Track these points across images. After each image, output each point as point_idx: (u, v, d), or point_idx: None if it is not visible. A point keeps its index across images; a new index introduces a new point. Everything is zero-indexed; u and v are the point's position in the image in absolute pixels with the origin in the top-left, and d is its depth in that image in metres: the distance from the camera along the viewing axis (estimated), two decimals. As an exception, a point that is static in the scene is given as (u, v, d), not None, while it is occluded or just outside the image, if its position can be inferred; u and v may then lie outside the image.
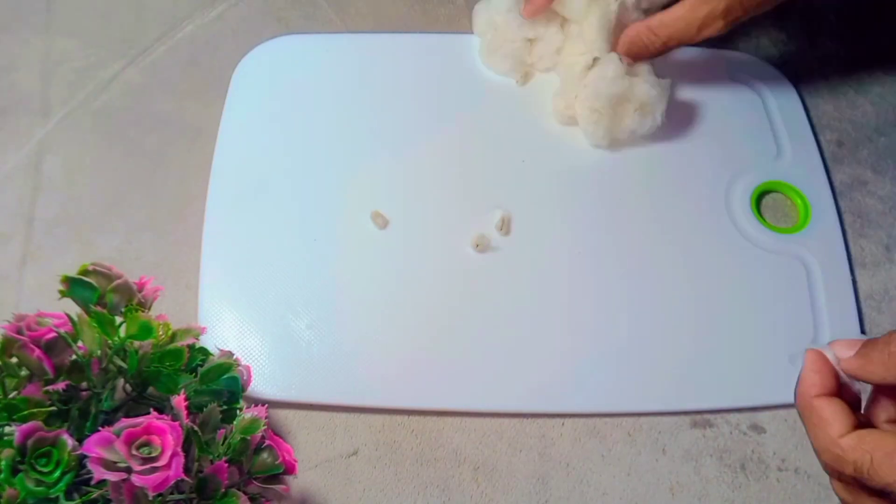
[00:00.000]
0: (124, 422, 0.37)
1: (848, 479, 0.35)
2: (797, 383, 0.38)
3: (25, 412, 0.37)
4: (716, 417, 0.53)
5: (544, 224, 0.57)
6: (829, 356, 0.37)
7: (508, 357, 0.53)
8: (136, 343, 0.40)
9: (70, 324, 0.40)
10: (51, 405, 0.38)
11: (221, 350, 0.45)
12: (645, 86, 0.56)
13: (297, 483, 0.50)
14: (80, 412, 0.40)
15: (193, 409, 0.41)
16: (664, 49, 0.54)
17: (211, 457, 0.40)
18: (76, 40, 0.65)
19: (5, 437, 0.37)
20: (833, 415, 0.35)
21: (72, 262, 0.45)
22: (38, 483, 0.36)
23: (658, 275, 0.56)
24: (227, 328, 0.53)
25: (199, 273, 0.54)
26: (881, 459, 0.33)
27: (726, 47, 0.66)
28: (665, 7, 0.54)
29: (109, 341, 0.40)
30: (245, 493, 0.41)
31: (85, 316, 0.40)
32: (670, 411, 0.53)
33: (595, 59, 0.57)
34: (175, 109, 0.62)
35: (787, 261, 0.57)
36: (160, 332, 0.41)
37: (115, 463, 0.36)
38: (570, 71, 0.59)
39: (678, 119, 0.61)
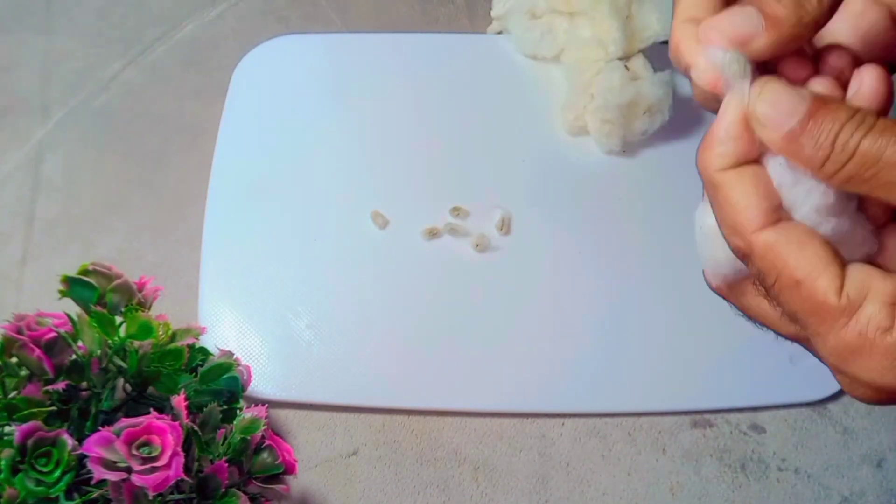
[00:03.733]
0: (124, 422, 0.37)
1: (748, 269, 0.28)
2: (700, 145, 0.29)
3: (25, 412, 0.37)
4: (716, 417, 0.53)
5: (544, 224, 0.57)
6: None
7: (508, 357, 0.53)
8: (136, 343, 0.40)
9: (70, 324, 0.40)
10: (51, 405, 0.38)
11: (221, 350, 0.45)
12: (651, 87, 0.56)
13: (297, 483, 0.50)
14: (80, 412, 0.40)
15: (193, 409, 0.41)
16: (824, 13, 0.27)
17: (211, 457, 0.40)
18: (76, 40, 0.65)
19: (5, 437, 0.37)
20: (745, 198, 0.27)
21: (72, 262, 0.45)
22: (38, 483, 0.36)
23: (658, 275, 0.56)
24: (227, 328, 0.53)
25: (199, 273, 0.54)
26: (786, 284, 0.26)
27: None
28: None
29: (109, 341, 0.40)
30: (245, 492, 0.41)
31: (85, 316, 0.40)
32: (670, 411, 0.53)
33: (610, 53, 0.57)
34: (175, 109, 0.62)
35: (787, 261, 0.57)
36: (160, 332, 0.41)
37: (115, 463, 0.36)
38: (577, 76, 0.59)
39: (679, 119, 0.61)
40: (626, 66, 0.57)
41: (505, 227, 0.56)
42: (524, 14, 0.61)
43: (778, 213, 0.27)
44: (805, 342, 0.28)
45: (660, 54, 0.58)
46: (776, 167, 0.27)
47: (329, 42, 0.65)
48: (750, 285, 0.29)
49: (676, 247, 0.57)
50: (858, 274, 0.26)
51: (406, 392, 0.52)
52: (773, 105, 0.26)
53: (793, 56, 0.28)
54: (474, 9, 0.67)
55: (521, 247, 0.56)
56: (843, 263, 0.26)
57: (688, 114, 0.61)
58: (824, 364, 0.27)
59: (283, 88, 0.62)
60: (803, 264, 0.26)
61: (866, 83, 0.27)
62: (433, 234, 0.56)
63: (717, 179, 0.28)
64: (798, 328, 0.27)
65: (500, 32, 0.65)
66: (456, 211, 0.57)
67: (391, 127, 0.60)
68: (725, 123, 0.27)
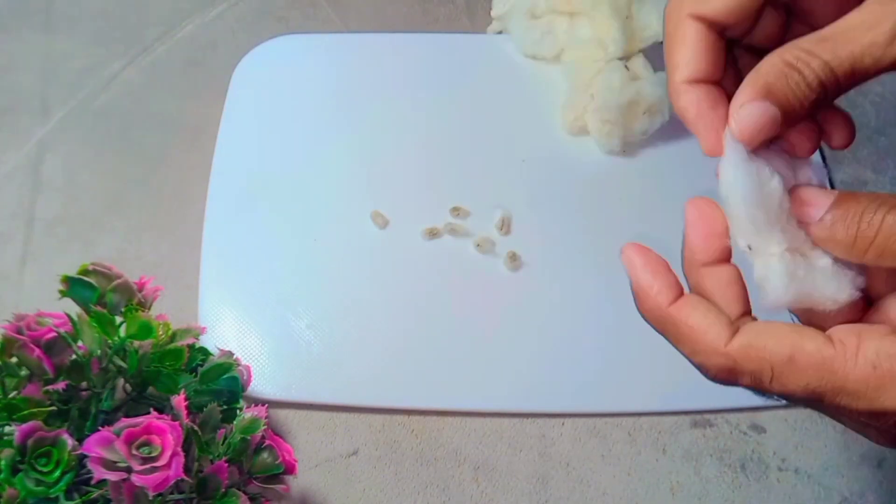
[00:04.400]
0: (124, 422, 0.37)
1: (743, 382, 0.28)
2: (633, 291, 0.30)
3: (25, 412, 0.37)
4: (716, 417, 0.53)
5: (544, 224, 0.57)
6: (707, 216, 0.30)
7: (508, 357, 0.53)
8: (136, 343, 0.40)
9: (70, 324, 0.40)
10: (51, 405, 0.38)
11: (221, 350, 0.45)
12: (651, 87, 0.56)
13: (297, 483, 0.50)
14: (80, 412, 0.40)
15: (193, 409, 0.41)
16: (831, 87, 0.28)
17: (211, 457, 0.40)
18: (76, 40, 0.65)
19: (5, 437, 0.37)
20: (704, 319, 0.27)
21: (72, 262, 0.45)
22: (38, 483, 0.36)
23: (658, 275, 0.56)
24: (227, 328, 0.53)
25: (199, 273, 0.54)
26: (784, 368, 0.26)
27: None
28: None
29: (109, 341, 0.40)
30: (245, 492, 0.41)
31: (85, 316, 0.40)
32: (670, 411, 0.53)
33: (610, 53, 0.57)
34: (175, 109, 0.62)
35: (787, 261, 0.57)
36: (160, 332, 0.41)
37: (115, 463, 0.36)
38: (577, 76, 0.59)
39: (678, 119, 0.61)
40: (626, 66, 0.57)
41: (505, 227, 0.56)
42: (524, 14, 0.61)
43: (735, 325, 0.27)
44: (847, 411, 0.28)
45: (660, 54, 0.58)
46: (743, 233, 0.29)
47: (329, 42, 0.65)
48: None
49: (677, 247, 0.57)
50: (841, 328, 0.26)
51: (406, 392, 0.52)
52: (806, 197, 0.28)
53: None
54: (474, 9, 0.67)
55: (521, 247, 0.56)
56: (820, 328, 0.27)
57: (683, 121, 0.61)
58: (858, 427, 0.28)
59: (283, 88, 0.62)
60: (787, 342, 0.26)
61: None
62: (433, 234, 0.56)
63: (671, 314, 0.28)
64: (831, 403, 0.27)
65: (500, 32, 0.65)
66: (456, 211, 0.57)
67: (391, 127, 0.60)
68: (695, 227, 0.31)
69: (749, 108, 0.28)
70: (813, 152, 0.30)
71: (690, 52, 0.31)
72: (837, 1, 0.30)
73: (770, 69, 0.28)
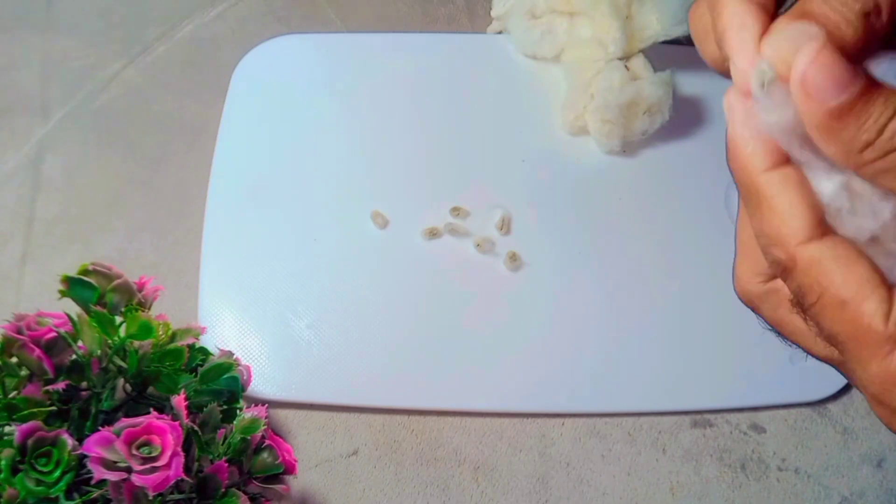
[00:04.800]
0: (124, 421, 0.37)
1: (786, 286, 0.26)
2: (727, 142, 0.25)
3: (25, 412, 0.37)
4: (716, 417, 0.53)
5: (544, 224, 0.57)
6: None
7: (509, 357, 0.53)
8: (136, 343, 0.40)
9: (70, 324, 0.40)
10: (51, 405, 0.38)
11: (221, 350, 0.45)
12: (651, 87, 0.56)
13: (297, 483, 0.50)
14: (80, 412, 0.40)
15: (193, 409, 0.41)
16: (873, 19, 0.23)
17: (211, 457, 0.40)
18: (76, 40, 0.65)
19: (5, 437, 0.37)
20: (791, 206, 0.24)
21: (72, 262, 0.45)
22: (38, 483, 0.36)
23: (658, 275, 0.56)
24: (227, 328, 0.53)
25: (199, 273, 0.54)
26: (830, 304, 0.24)
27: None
28: None
29: (109, 341, 0.40)
30: (245, 492, 0.41)
31: (85, 316, 0.40)
32: (670, 411, 0.53)
33: (610, 53, 0.57)
34: (175, 109, 0.62)
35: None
36: (160, 332, 0.41)
37: (115, 463, 0.36)
38: (577, 76, 0.59)
39: (678, 119, 0.61)
40: (626, 66, 0.57)
41: (505, 227, 0.56)
42: (524, 14, 0.61)
43: (823, 227, 0.24)
44: (840, 366, 0.26)
45: (660, 54, 0.58)
46: (823, 179, 0.24)
47: (329, 42, 0.65)
48: (785, 298, 0.27)
49: (676, 246, 0.57)
50: None
51: (406, 392, 0.52)
52: (825, 73, 0.22)
53: None
54: (474, 9, 0.67)
55: (521, 247, 0.56)
56: (891, 288, 0.24)
57: (688, 114, 0.61)
58: (861, 392, 0.25)
59: (283, 88, 0.62)
60: (851, 284, 0.23)
61: None
62: (433, 234, 0.56)
63: (761, 182, 0.24)
64: (834, 351, 0.25)
65: (500, 32, 0.65)
66: (456, 211, 0.57)
67: (391, 127, 0.60)
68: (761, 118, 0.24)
69: (785, 31, 0.23)
70: None
71: (737, 24, 0.24)
72: None
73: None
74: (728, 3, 0.24)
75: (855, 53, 0.23)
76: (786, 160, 0.24)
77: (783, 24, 0.23)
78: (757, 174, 0.24)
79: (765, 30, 0.24)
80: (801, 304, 0.25)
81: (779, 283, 0.26)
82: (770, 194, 0.24)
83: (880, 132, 0.22)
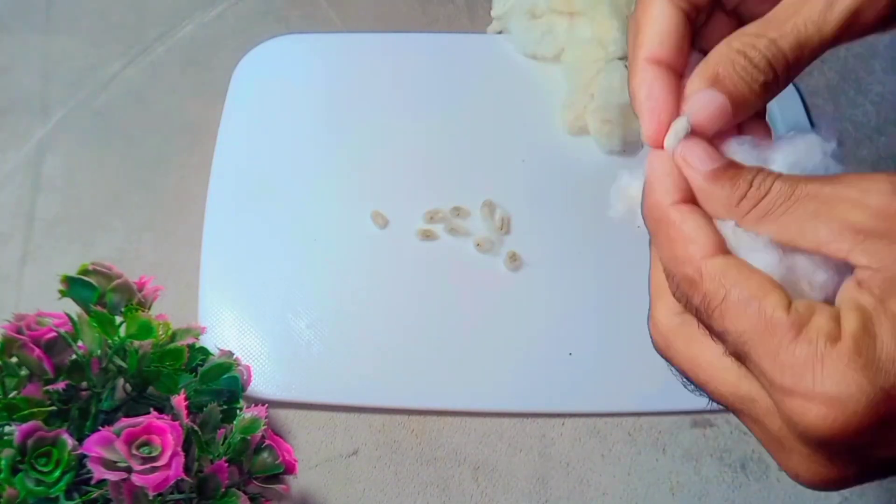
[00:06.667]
0: (124, 421, 0.37)
1: (690, 307, 0.28)
2: (644, 189, 0.30)
3: (25, 412, 0.37)
4: (716, 417, 0.53)
5: (544, 224, 0.57)
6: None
7: (509, 357, 0.53)
8: (136, 343, 0.40)
9: (70, 324, 0.40)
10: (51, 405, 0.38)
11: (221, 350, 0.45)
12: None
13: (297, 483, 0.50)
14: (80, 412, 0.40)
15: (193, 409, 0.41)
16: (780, 66, 0.28)
17: (211, 456, 0.40)
18: (76, 40, 0.65)
19: (5, 437, 0.37)
20: (695, 230, 0.27)
21: (72, 262, 0.45)
22: (38, 483, 0.36)
23: (658, 275, 0.56)
24: (227, 328, 0.53)
25: (199, 273, 0.54)
26: (735, 302, 0.26)
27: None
28: None
29: (109, 341, 0.40)
30: (245, 492, 0.41)
31: (85, 316, 0.40)
32: (670, 411, 0.53)
33: (610, 53, 0.57)
34: (175, 109, 0.62)
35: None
36: (160, 332, 0.41)
37: (115, 462, 0.36)
38: (577, 76, 0.59)
39: (678, 119, 0.61)
40: (626, 66, 0.57)
41: (505, 226, 0.56)
42: (524, 14, 0.61)
43: (724, 246, 0.28)
44: (739, 414, 0.29)
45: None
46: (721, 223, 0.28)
47: (329, 42, 0.65)
48: (696, 327, 0.29)
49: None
50: (804, 302, 0.26)
51: (406, 392, 0.52)
52: (700, 150, 0.28)
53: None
54: (474, 9, 0.67)
55: (521, 247, 0.56)
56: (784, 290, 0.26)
57: (688, 114, 0.61)
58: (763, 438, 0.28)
59: (283, 88, 0.62)
60: (752, 284, 0.26)
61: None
62: (433, 234, 0.56)
63: (670, 212, 0.28)
64: (739, 390, 0.28)
65: (500, 32, 0.65)
66: (456, 211, 0.57)
67: (391, 127, 0.60)
68: (658, 167, 0.29)
69: (699, 96, 0.28)
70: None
71: (657, 30, 0.30)
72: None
73: (717, 58, 0.28)
74: (638, 69, 0.29)
75: (746, 110, 0.28)
76: (692, 199, 0.28)
77: (695, 89, 0.28)
78: (666, 207, 0.28)
79: (669, 92, 0.29)
80: (707, 313, 0.27)
81: (689, 315, 0.29)
82: (679, 221, 0.28)
83: (749, 185, 0.27)
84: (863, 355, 0.24)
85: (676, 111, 0.29)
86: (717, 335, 0.27)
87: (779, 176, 0.27)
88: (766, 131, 0.30)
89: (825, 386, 0.24)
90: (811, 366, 0.25)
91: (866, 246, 0.25)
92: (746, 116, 0.29)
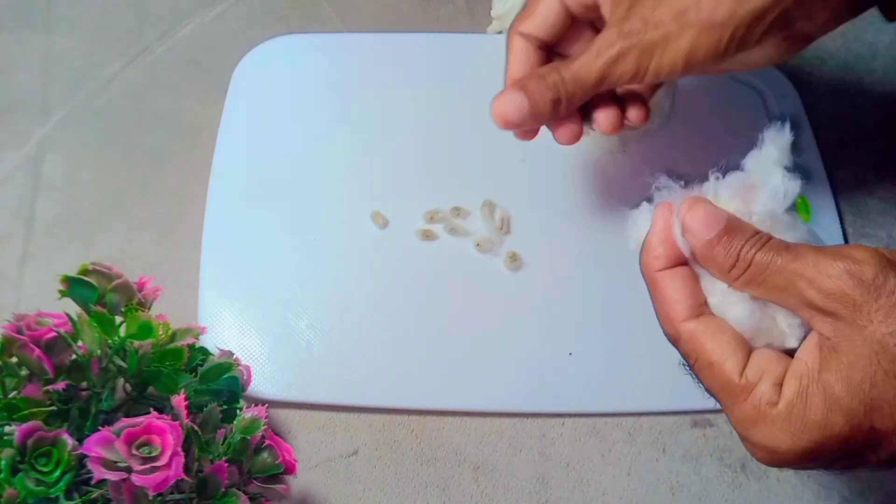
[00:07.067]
0: (124, 421, 0.37)
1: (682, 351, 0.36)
2: (641, 248, 0.36)
3: (25, 412, 0.37)
4: (716, 417, 0.53)
5: (544, 224, 0.57)
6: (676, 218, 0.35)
7: (508, 357, 0.53)
8: (136, 343, 0.40)
9: (70, 324, 0.40)
10: (51, 405, 0.38)
11: (221, 350, 0.45)
12: None
13: (297, 483, 0.50)
14: (80, 412, 0.40)
15: (193, 409, 0.41)
16: (566, 91, 0.42)
17: (211, 456, 0.40)
18: (76, 40, 0.65)
19: (5, 437, 0.37)
20: (676, 294, 0.34)
21: (72, 262, 0.45)
22: (38, 483, 0.36)
23: (658, 275, 0.56)
24: (227, 328, 0.53)
25: (199, 273, 0.54)
26: (702, 366, 0.34)
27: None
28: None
29: (109, 341, 0.40)
30: (245, 492, 0.41)
31: (85, 316, 0.40)
32: (670, 411, 0.53)
33: None
34: (175, 109, 0.62)
35: (787, 261, 0.57)
36: (160, 332, 0.41)
37: (115, 462, 0.36)
38: None
39: (678, 119, 0.61)
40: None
41: (504, 226, 0.56)
42: (524, 14, 0.61)
43: (701, 308, 0.34)
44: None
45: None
46: (714, 282, 0.35)
47: (329, 42, 0.65)
48: None
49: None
50: (758, 357, 0.33)
51: (406, 392, 0.52)
52: (699, 220, 0.34)
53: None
54: (474, 9, 0.68)
55: (521, 247, 0.56)
56: (748, 350, 0.33)
57: (688, 114, 0.61)
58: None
59: (283, 88, 0.62)
60: (717, 349, 0.33)
61: (601, 121, 0.45)
62: (433, 234, 0.56)
63: (655, 278, 0.35)
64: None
65: (500, 32, 0.65)
66: (456, 211, 0.57)
67: (391, 126, 0.60)
68: (657, 231, 0.35)
69: (507, 93, 0.42)
70: (615, 130, 0.45)
71: (515, 60, 0.45)
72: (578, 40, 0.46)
73: (529, 74, 0.43)
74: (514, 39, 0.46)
75: (551, 118, 0.43)
76: (680, 262, 0.35)
77: (508, 88, 0.43)
78: (654, 271, 0.35)
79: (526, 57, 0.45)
80: (689, 363, 0.35)
81: None
82: (662, 286, 0.35)
83: (737, 256, 0.33)
84: (793, 420, 0.31)
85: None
86: (697, 378, 0.35)
87: (761, 248, 0.32)
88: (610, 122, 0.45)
89: (763, 440, 0.32)
90: (753, 423, 0.32)
91: (818, 319, 0.31)
92: (542, 123, 0.44)
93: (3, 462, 0.35)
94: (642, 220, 0.38)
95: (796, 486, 0.51)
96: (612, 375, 0.53)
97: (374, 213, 0.57)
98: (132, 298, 0.43)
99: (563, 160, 0.59)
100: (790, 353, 0.33)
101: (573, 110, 0.43)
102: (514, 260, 0.55)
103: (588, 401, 0.52)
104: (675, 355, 0.54)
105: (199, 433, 0.39)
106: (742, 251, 0.33)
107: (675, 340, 0.35)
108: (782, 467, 0.34)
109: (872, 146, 0.64)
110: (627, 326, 0.54)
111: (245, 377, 0.44)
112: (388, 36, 0.65)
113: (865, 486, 0.51)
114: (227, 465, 0.40)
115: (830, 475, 0.51)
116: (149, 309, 0.44)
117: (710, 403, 0.53)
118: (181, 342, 0.42)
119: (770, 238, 0.33)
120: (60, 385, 0.38)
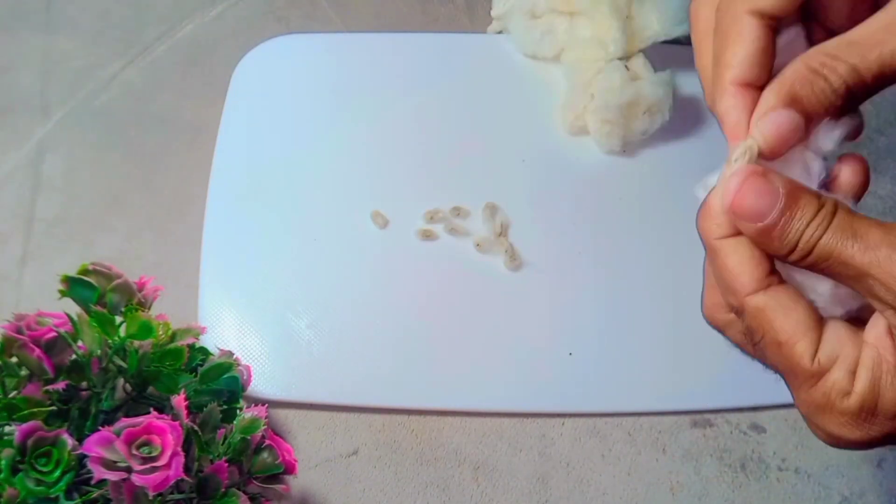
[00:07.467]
0: (124, 421, 0.37)
1: (740, 325, 0.32)
2: (701, 207, 0.31)
3: (25, 412, 0.37)
4: (716, 417, 0.53)
5: (544, 224, 0.57)
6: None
7: (509, 357, 0.53)
8: (136, 343, 0.40)
9: (70, 324, 0.40)
10: (51, 405, 0.38)
11: (221, 350, 0.45)
12: (651, 87, 0.56)
13: (297, 483, 0.50)
14: (80, 412, 0.40)
15: (193, 409, 0.41)
16: (859, 91, 0.28)
17: (211, 456, 0.40)
18: (76, 40, 0.65)
19: (5, 437, 0.37)
20: (741, 265, 0.29)
21: (72, 262, 0.45)
22: (38, 483, 0.36)
23: (658, 275, 0.56)
24: (227, 328, 0.53)
25: (199, 273, 0.54)
26: (770, 343, 0.30)
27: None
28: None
29: (109, 341, 0.40)
30: (245, 492, 0.41)
31: (85, 316, 0.40)
32: (670, 411, 0.53)
33: (610, 53, 0.57)
34: (175, 109, 0.62)
35: (787, 261, 0.57)
36: (160, 332, 0.41)
37: (115, 462, 0.36)
38: (577, 76, 0.59)
39: (678, 119, 0.61)
40: (626, 66, 0.57)
41: (505, 226, 0.56)
42: (524, 14, 0.61)
43: (769, 279, 0.30)
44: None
45: (660, 54, 0.58)
46: None
47: (329, 42, 0.65)
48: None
49: (676, 247, 0.57)
50: (832, 338, 0.29)
51: (406, 392, 0.52)
52: (752, 202, 0.28)
53: None
54: (474, 8, 0.67)
55: (521, 247, 0.56)
56: (821, 327, 0.29)
57: (688, 114, 0.61)
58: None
59: (283, 88, 0.62)
60: (787, 328, 0.29)
61: (843, 175, 0.32)
62: (433, 234, 0.56)
63: (716, 246, 0.30)
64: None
65: (500, 32, 0.65)
66: (456, 211, 0.57)
67: (391, 126, 0.60)
68: (720, 200, 0.30)
69: (773, 117, 0.28)
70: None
71: (746, 51, 0.29)
72: (850, 3, 0.30)
73: (794, 75, 0.28)
74: (727, 92, 0.30)
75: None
76: (738, 231, 0.30)
77: (770, 108, 0.28)
78: (713, 239, 0.30)
79: (752, 108, 0.29)
80: (751, 339, 0.31)
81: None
82: (724, 254, 0.30)
83: (796, 243, 0.28)
84: (864, 414, 0.28)
85: None
86: (760, 355, 0.32)
87: (825, 230, 0.28)
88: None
89: (830, 427, 0.29)
90: (823, 409, 0.29)
91: (890, 313, 0.28)
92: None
93: (3, 462, 0.35)
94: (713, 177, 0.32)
95: (796, 486, 0.51)
96: (612, 375, 0.53)
97: (374, 213, 0.57)
98: (132, 298, 0.43)
99: (563, 160, 0.59)
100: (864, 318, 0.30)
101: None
102: (514, 260, 0.55)
103: (588, 401, 0.52)
104: (675, 355, 0.54)
105: (199, 433, 0.39)
106: (802, 237, 0.28)
107: (738, 313, 0.31)
108: (846, 449, 0.31)
109: (872, 146, 0.64)
110: (627, 326, 0.54)
111: (245, 377, 0.44)
112: (388, 36, 0.65)
113: (865, 486, 0.51)
114: (227, 465, 0.40)
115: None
116: (149, 309, 0.44)
117: (710, 403, 0.54)
118: (181, 342, 0.42)
119: (835, 213, 0.28)
120: (60, 385, 0.38)
